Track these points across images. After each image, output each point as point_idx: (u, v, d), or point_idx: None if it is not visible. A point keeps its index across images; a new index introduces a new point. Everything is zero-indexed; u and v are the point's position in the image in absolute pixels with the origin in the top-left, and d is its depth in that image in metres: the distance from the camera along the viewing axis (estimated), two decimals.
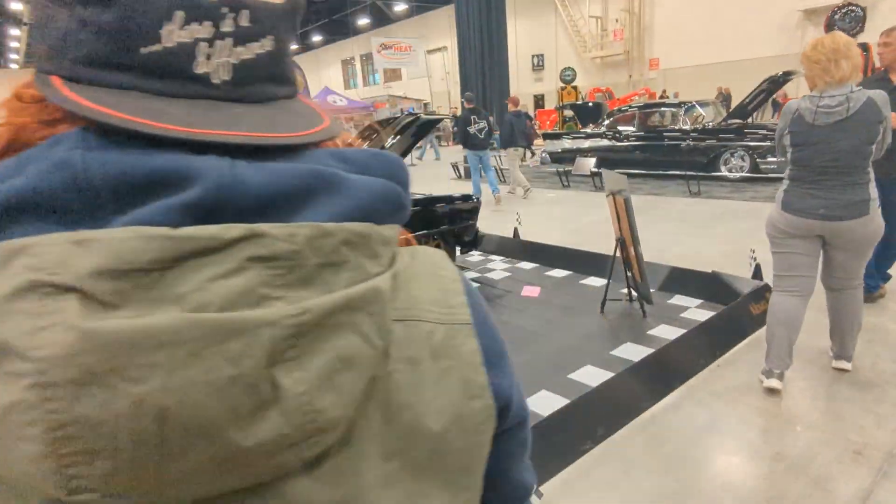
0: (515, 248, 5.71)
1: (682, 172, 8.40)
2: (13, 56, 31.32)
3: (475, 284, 4.31)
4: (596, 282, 4.59)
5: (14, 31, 25.91)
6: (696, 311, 3.87)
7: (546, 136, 11.66)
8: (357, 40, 32.20)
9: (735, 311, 3.62)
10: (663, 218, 6.83)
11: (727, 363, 3.17)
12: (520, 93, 25.55)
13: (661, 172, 9.21)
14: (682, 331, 3.53)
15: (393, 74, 32.55)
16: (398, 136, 4.92)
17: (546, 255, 5.35)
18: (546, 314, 4.06)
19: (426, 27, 28.70)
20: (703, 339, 3.39)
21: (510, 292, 4.57)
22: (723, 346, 3.32)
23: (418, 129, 5.03)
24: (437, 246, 4.69)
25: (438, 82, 28.47)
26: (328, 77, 36.27)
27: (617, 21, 20.99)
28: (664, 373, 3.07)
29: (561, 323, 3.89)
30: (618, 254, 3.90)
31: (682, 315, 3.84)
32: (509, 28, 23.67)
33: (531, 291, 4.54)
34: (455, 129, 18.92)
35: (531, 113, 22.62)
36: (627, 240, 3.78)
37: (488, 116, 8.88)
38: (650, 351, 3.31)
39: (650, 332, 3.62)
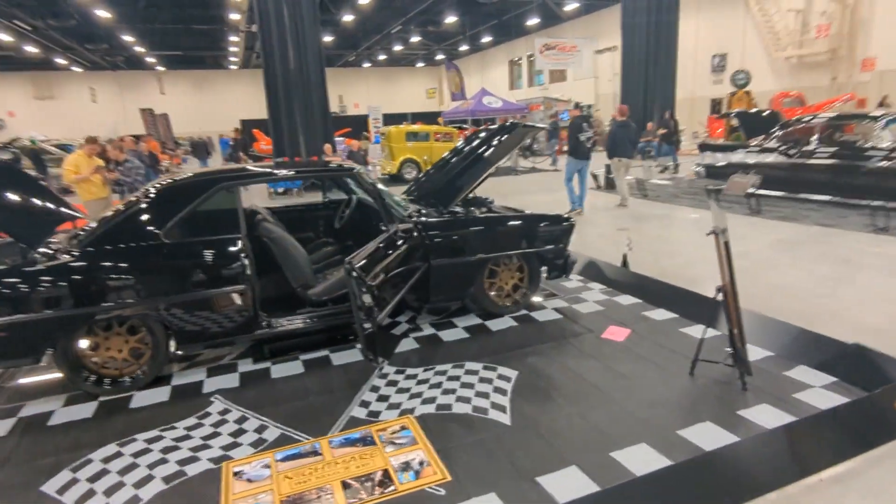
0: (619, 277, 5.03)
1: (870, 202, 6.72)
2: (232, 59, 36.78)
3: (555, 316, 3.82)
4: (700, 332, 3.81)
5: (233, 38, 30.33)
6: (820, 394, 2.97)
7: (703, 148, 10.26)
8: (525, 41, 31.93)
9: (872, 405, 2.71)
10: (826, 257, 5.52)
11: (836, 480, 2.35)
12: (695, 96, 23.16)
13: (841, 200, 7.50)
14: (790, 418, 2.74)
15: (559, 75, 31.70)
16: (499, 143, 4.64)
17: (651, 290, 4.62)
18: (622, 365, 3.45)
19: (597, 26, 27.37)
20: (813, 437, 2.59)
21: (591, 332, 3.99)
22: (839, 453, 2.49)
23: (515, 135, 4.70)
24: (519, 268, 4.31)
25: (606, 84, 27.01)
26: (494, 78, 36.56)
27: (823, 14, 17.82)
28: (736, 475, 2.38)
29: (635, 380, 3.26)
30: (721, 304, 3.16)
31: (797, 395, 2.98)
32: (689, 25, 21.55)
33: (616, 333, 3.92)
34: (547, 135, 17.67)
35: (702, 119, 20.36)
36: (728, 290, 3.04)
37: (594, 126, 8.85)
38: (732, 439, 2.61)
39: (743, 411, 2.86)
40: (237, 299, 3.50)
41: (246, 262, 3.51)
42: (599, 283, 5.07)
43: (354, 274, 2.87)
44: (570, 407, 3.00)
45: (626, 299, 4.61)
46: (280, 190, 12.49)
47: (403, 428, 2.89)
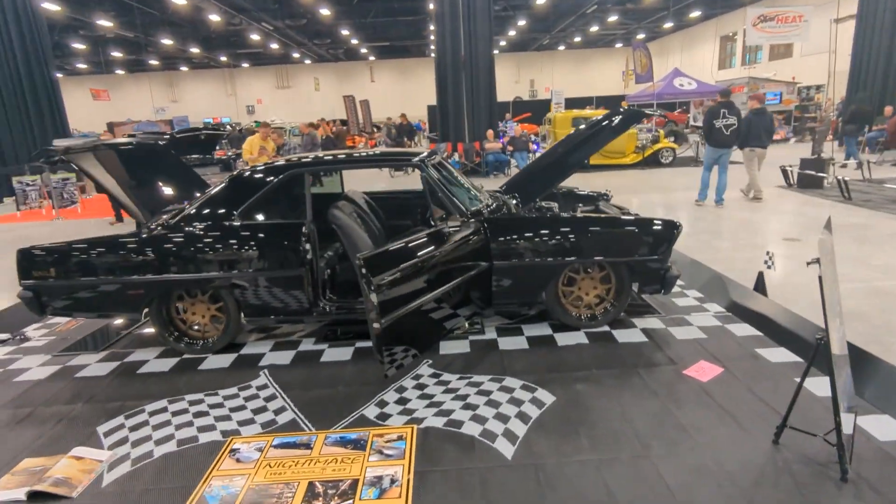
0: (744, 301, 4.08)
1: None
2: (432, 47, 38.92)
3: (639, 339, 3.27)
4: (823, 388, 2.88)
5: (433, 27, 32.01)
6: None
7: None
8: (741, 13, 27.83)
9: None
10: None
11: None
12: None
13: None
14: None
15: (784, 51, 27.09)
16: (595, 135, 4.13)
17: (780, 324, 3.65)
18: (688, 413, 2.78)
19: None
20: None
21: (674, 364, 3.30)
22: None
23: (624, 121, 4.13)
24: (605, 278, 3.77)
25: (846, 59, 22.28)
26: (700, 57, 32.68)
27: None
28: None
29: (693, 435, 2.59)
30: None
31: None
32: None
33: (702, 371, 3.18)
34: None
35: None
36: (827, 339, 2.22)
37: (740, 113, 8.22)
38: None
39: None
40: (295, 281, 3.65)
41: (307, 246, 3.63)
42: (719, 304, 4.18)
43: (363, 270, 2.76)
44: (592, 453, 2.51)
45: (743, 329, 3.71)
46: None
47: (400, 438, 2.72)
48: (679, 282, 4.78)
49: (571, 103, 24.90)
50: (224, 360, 3.72)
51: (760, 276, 4.25)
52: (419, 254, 3.11)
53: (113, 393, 3.37)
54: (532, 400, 2.99)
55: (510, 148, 13.19)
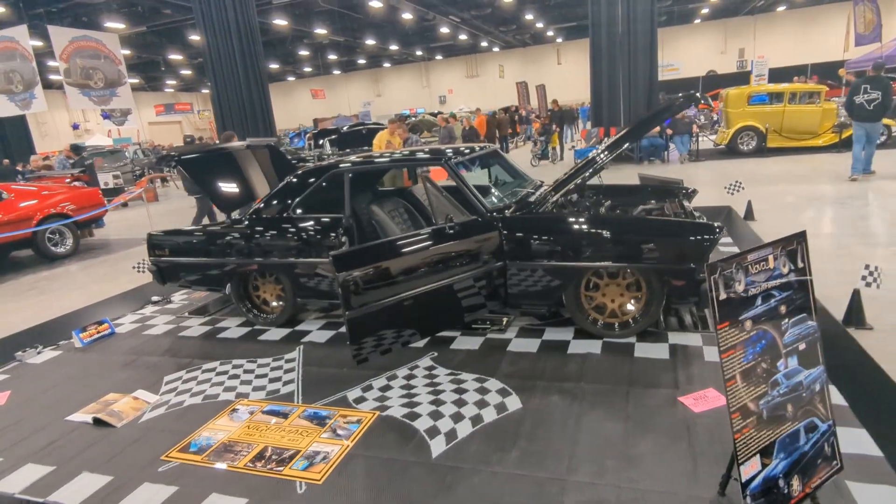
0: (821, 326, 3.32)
1: None
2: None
3: (660, 355, 3.04)
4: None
5: None
6: None
7: None
8: None
9: None
10: None
11: None
12: None
13: None
14: None
15: None
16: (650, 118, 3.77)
17: (847, 360, 2.93)
18: (648, 443, 2.47)
19: None
20: None
21: (675, 389, 2.89)
22: None
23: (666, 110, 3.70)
24: (636, 282, 3.49)
25: None
26: None
27: None
28: None
29: (630, 470, 2.32)
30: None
31: None
32: None
33: (702, 401, 2.74)
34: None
35: None
36: None
37: (889, 86, 7.65)
38: None
39: None
40: (328, 269, 4.05)
41: (344, 238, 4.01)
42: None
43: (333, 266, 3.01)
44: (512, 466, 2.42)
45: None
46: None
47: (357, 421, 2.94)
48: None
49: (779, 74, 21.24)
50: (278, 334, 4.32)
51: (856, 295, 3.40)
52: (400, 251, 3.24)
53: (192, 351, 4.19)
54: (498, 405, 2.95)
55: (669, 131, 11.99)
